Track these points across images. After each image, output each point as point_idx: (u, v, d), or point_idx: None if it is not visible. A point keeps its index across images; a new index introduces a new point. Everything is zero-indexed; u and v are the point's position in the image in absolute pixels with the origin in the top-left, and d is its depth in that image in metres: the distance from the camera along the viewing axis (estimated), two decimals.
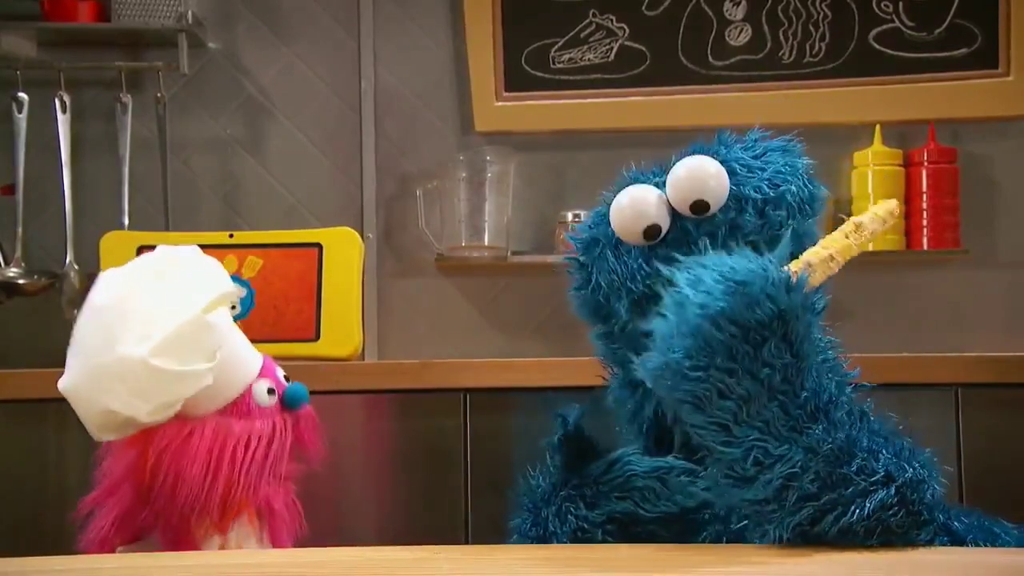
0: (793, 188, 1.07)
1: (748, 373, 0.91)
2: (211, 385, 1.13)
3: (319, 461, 1.26)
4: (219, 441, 1.14)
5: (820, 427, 0.93)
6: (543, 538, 1.09)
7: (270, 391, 1.20)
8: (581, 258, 1.12)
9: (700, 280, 0.93)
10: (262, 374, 1.21)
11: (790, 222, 1.05)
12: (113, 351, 1.09)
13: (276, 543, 1.21)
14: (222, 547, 1.16)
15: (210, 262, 1.21)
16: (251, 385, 1.19)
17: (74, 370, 1.11)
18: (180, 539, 1.16)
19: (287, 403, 1.21)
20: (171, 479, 1.12)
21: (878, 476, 0.92)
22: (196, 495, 1.12)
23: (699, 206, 1.04)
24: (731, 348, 0.91)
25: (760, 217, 1.05)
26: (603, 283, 1.08)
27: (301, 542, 1.25)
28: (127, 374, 1.08)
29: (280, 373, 1.23)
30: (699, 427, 0.93)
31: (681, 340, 0.92)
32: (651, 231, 1.05)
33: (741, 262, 0.93)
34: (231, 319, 1.22)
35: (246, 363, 1.21)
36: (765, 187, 1.06)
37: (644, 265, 1.05)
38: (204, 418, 1.15)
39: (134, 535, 1.19)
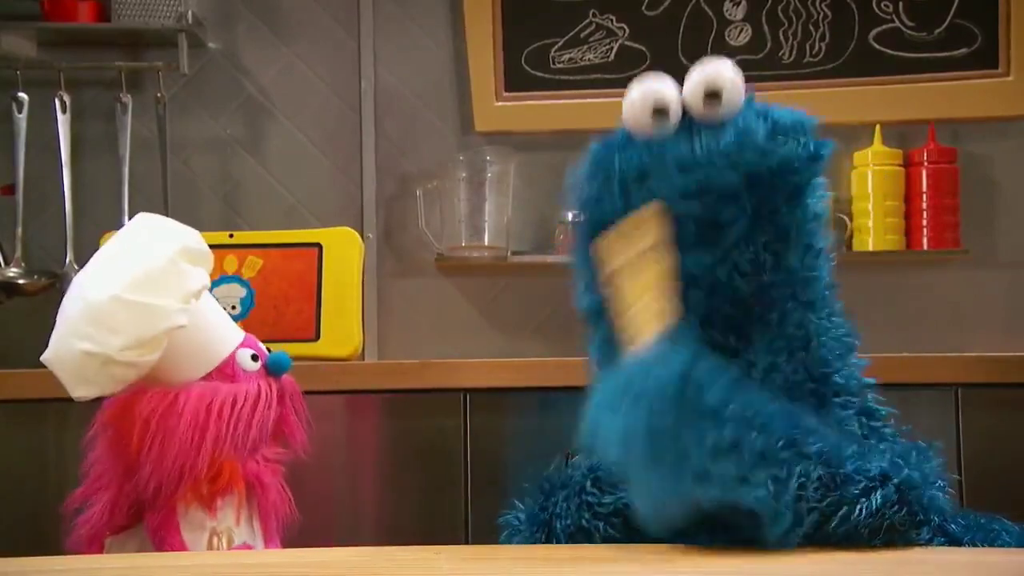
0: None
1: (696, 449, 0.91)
2: (191, 349, 1.15)
3: (304, 444, 1.27)
4: (205, 400, 1.16)
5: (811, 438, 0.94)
6: (547, 524, 1.09)
7: (254, 357, 1.23)
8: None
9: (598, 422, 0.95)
10: (244, 344, 1.24)
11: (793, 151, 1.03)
12: (83, 299, 1.12)
13: (265, 525, 1.22)
14: (213, 531, 1.16)
15: (186, 227, 1.24)
16: (234, 352, 1.22)
17: (53, 339, 1.14)
18: (167, 522, 1.16)
19: (271, 369, 1.24)
20: (159, 441, 1.14)
21: (875, 475, 0.93)
22: (185, 454, 1.13)
23: (712, 93, 1.00)
24: (662, 451, 0.91)
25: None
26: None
27: (295, 539, 1.25)
28: (98, 314, 1.11)
29: (262, 346, 1.26)
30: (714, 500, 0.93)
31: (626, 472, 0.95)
32: (660, 107, 1.01)
33: (609, 383, 0.94)
34: (211, 297, 1.24)
35: (228, 332, 1.24)
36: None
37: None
38: (189, 384, 1.17)
39: (122, 526, 1.20)
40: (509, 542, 1.13)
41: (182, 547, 1.15)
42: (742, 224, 0.99)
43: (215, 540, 1.16)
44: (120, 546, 1.20)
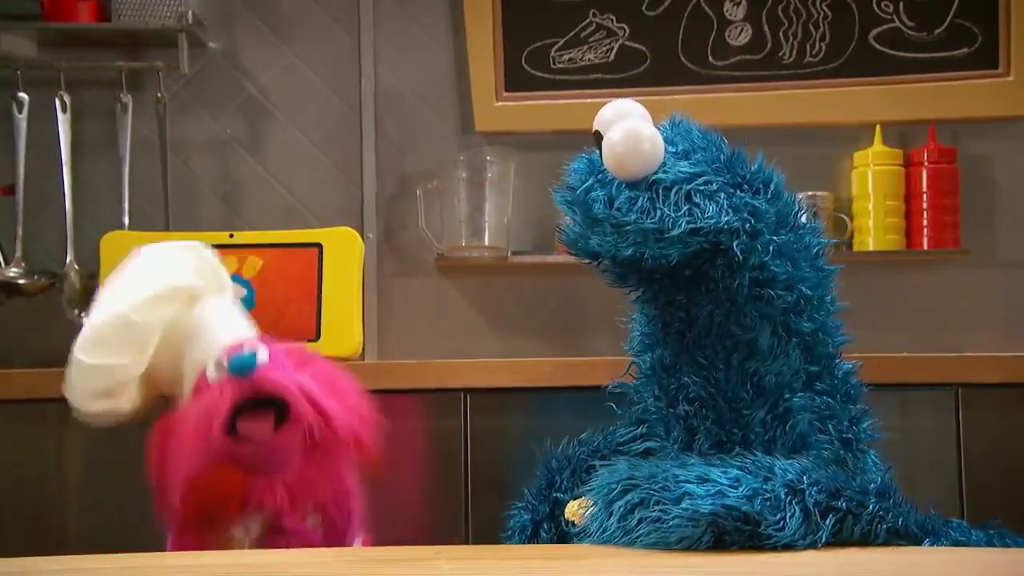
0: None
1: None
2: (181, 368, 1.14)
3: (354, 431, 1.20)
4: (160, 434, 1.14)
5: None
6: (553, 500, 1.11)
7: (219, 365, 1.10)
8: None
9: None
10: (229, 351, 1.11)
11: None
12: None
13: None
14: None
15: (189, 256, 1.21)
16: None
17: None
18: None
19: (233, 372, 1.09)
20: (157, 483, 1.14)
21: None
22: (171, 490, 1.12)
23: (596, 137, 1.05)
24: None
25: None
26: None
27: None
28: (72, 371, 1.15)
29: (258, 349, 1.12)
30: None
31: None
32: (596, 137, 1.06)
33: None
34: (221, 308, 1.21)
35: (211, 344, 1.15)
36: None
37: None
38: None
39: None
40: (518, 518, 1.14)
41: None
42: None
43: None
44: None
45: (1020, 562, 0.94)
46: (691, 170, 1.00)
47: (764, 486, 0.93)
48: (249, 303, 2.04)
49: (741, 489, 0.92)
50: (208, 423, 1.08)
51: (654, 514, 0.93)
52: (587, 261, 1.07)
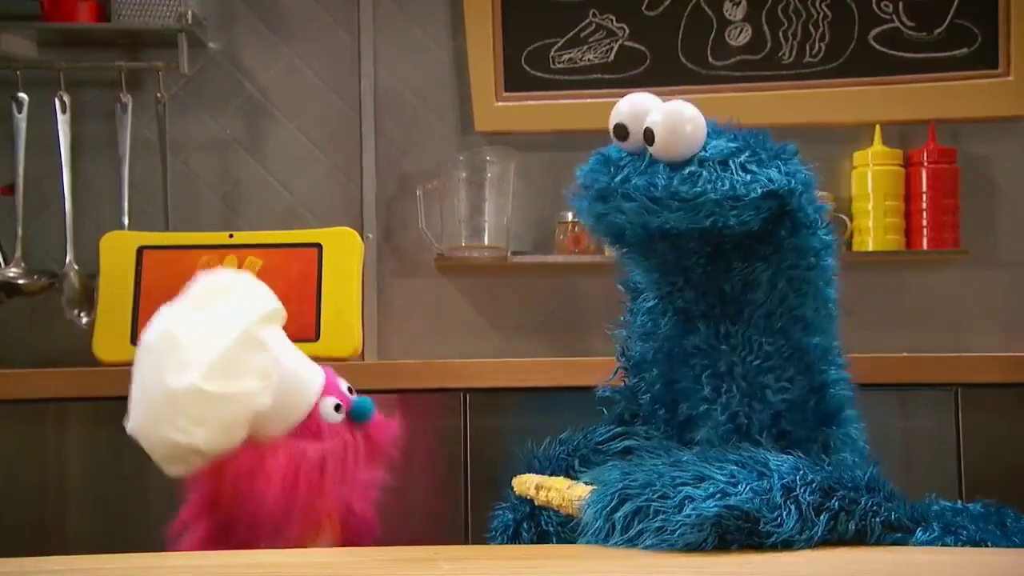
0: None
1: None
2: (275, 407, 1.12)
3: (394, 463, 1.26)
4: (293, 464, 1.12)
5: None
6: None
7: (337, 407, 1.18)
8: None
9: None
10: (327, 391, 1.19)
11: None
12: (163, 385, 1.08)
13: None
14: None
15: (252, 283, 1.21)
16: (317, 403, 1.17)
17: (135, 410, 1.11)
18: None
19: (354, 418, 1.19)
20: (249, 505, 1.11)
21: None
22: (275, 519, 1.12)
23: (647, 135, 1.02)
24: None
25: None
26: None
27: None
28: (180, 404, 1.07)
29: (343, 386, 1.22)
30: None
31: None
32: (619, 130, 1.03)
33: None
34: (285, 338, 1.20)
35: (308, 381, 1.19)
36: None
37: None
38: (275, 442, 1.13)
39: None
40: (501, 518, 1.15)
41: None
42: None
43: None
44: None
45: (1020, 562, 0.94)
46: (733, 145, 1.00)
47: (761, 483, 0.93)
48: None
49: (741, 487, 0.93)
50: (353, 466, 1.17)
51: (656, 524, 0.93)
52: (640, 245, 1.06)
